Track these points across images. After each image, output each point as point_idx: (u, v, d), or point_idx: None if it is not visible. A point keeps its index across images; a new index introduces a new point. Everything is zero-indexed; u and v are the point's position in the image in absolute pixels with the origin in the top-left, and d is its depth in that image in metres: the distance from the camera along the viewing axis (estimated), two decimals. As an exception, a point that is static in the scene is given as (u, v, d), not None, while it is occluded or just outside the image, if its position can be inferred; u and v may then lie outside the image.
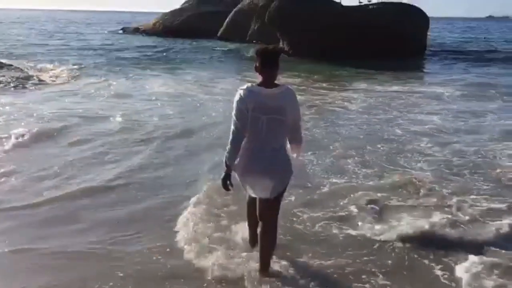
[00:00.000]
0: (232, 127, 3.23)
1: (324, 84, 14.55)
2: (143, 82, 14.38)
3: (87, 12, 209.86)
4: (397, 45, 21.79)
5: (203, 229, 4.39)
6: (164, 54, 24.06)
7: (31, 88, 12.47)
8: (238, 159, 3.29)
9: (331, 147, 7.29)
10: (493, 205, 5.06)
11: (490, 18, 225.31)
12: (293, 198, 5.04)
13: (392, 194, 5.36)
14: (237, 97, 3.22)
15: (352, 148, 7.24)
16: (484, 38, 42.99)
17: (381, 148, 7.33)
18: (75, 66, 17.35)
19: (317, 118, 9.50)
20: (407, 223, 4.56)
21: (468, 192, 5.45)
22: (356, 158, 6.73)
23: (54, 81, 13.89)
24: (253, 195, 3.44)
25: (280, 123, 3.23)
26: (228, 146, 3.25)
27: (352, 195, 5.28)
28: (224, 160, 3.30)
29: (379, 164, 6.50)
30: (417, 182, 5.71)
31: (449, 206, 5.02)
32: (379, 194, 5.33)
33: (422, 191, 5.46)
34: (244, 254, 3.86)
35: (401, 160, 6.69)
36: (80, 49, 25.31)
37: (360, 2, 25.64)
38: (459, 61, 22.64)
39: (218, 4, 39.97)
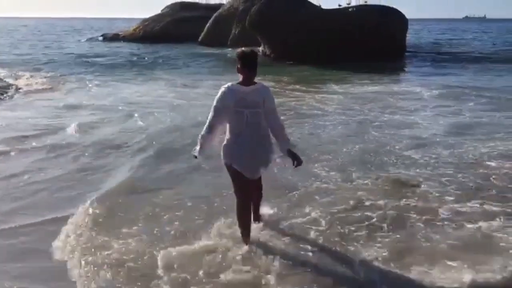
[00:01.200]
0: (210, 118, 3.80)
1: (303, 87, 14.57)
2: (119, 89, 14.18)
3: (66, 19, 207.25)
4: (377, 47, 22.01)
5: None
6: (144, 60, 23.98)
7: (6, 97, 12.27)
8: (228, 147, 3.83)
9: (307, 151, 7.09)
10: (470, 207, 5.03)
11: (466, 19, 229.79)
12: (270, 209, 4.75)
13: (373, 199, 5.27)
14: (218, 95, 3.76)
15: (328, 151, 7.15)
16: (461, 39, 43.88)
17: (358, 150, 7.26)
18: (52, 74, 17.18)
19: (294, 121, 9.41)
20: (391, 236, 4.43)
21: (452, 194, 5.42)
22: (332, 161, 6.64)
23: (30, 89, 13.62)
24: (251, 177, 3.89)
25: (259, 115, 3.78)
26: (202, 133, 3.82)
27: (328, 201, 5.19)
28: (198, 141, 3.84)
29: (355, 167, 6.38)
30: (405, 185, 5.67)
31: (435, 209, 4.99)
32: (357, 196, 5.29)
33: (405, 194, 5.41)
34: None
35: (378, 162, 6.61)
36: (57, 57, 24.97)
37: (339, 5, 25.81)
38: (437, 62, 23.02)
39: (198, 10, 39.99)
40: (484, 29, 72.28)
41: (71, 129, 8.67)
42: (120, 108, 10.99)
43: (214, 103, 3.77)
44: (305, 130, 8.71)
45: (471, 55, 26.53)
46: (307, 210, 4.91)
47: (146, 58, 24.68)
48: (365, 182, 5.79)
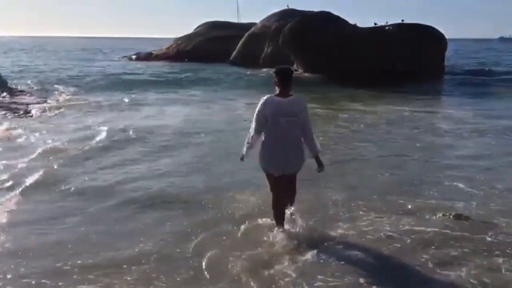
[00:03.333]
0: (253, 126, 4.35)
1: (335, 106, 14.31)
2: (140, 111, 13.41)
3: (100, 38, 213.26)
4: (415, 67, 21.23)
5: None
6: (174, 79, 23.47)
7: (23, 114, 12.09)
8: (264, 151, 4.35)
9: (339, 175, 6.71)
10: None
11: (502, 39, 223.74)
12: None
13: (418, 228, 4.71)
14: (259, 106, 4.30)
15: (363, 175, 6.76)
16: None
17: (398, 175, 6.86)
18: (77, 92, 17.16)
19: (324, 141, 8.85)
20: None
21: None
22: (366, 187, 6.19)
23: (54, 106, 13.48)
24: (277, 174, 4.38)
25: (294, 123, 4.28)
26: (249, 140, 4.38)
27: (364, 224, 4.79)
28: (245, 147, 4.42)
29: (394, 194, 5.88)
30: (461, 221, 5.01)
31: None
32: (398, 223, 4.72)
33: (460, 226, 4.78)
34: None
35: (421, 190, 6.11)
36: (90, 75, 24.75)
37: (375, 24, 25.12)
38: (479, 84, 21.87)
39: (230, 29, 40.02)
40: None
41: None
42: (119, 133, 9.86)
43: (256, 113, 4.31)
44: (337, 152, 8.21)
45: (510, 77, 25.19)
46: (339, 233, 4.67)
47: (178, 77, 24.32)
48: (407, 209, 5.35)
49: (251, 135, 4.36)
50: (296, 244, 4.39)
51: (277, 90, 4.33)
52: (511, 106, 14.65)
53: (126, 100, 15.34)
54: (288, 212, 4.58)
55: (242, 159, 4.51)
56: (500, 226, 4.85)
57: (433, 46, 23.47)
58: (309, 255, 4.21)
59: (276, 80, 4.32)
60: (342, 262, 4.11)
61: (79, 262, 4.17)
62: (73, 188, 6.24)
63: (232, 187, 6.17)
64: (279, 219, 4.60)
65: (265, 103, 4.26)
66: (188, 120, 11.68)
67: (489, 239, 4.56)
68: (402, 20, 24.75)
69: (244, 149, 4.44)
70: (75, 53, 54.41)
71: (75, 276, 3.95)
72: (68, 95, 16.50)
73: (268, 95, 4.31)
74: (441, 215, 5.14)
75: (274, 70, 4.39)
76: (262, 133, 4.34)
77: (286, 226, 4.59)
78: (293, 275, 3.92)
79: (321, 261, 4.14)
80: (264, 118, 4.25)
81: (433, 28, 24.65)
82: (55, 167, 7.23)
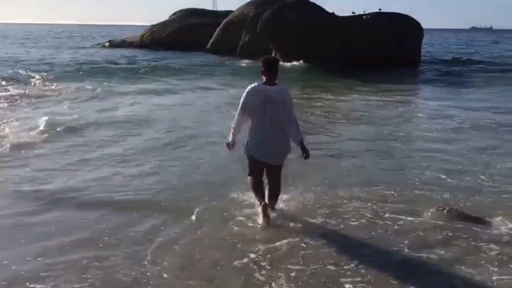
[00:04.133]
0: (238, 113, 4.43)
1: (312, 94, 14.12)
2: (109, 100, 12.62)
3: (71, 25, 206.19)
4: (391, 56, 21.21)
5: None
6: (148, 67, 22.46)
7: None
8: (252, 138, 4.40)
9: (323, 167, 6.52)
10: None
11: (473, 29, 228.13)
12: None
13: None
14: (245, 93, 4.38)
15: (343, 166, 6.62)
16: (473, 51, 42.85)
17: (380, 165, 6.73)
18: (44, 83, 16.07)
19: (304, 131, 8.71)
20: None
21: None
22: (345, 179, 6.02)
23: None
24: (263, 160, 4.45)
25: (281, 111, 4.36)
26: (234, 126, 4.47)
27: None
28: (230, 132, 4.48)
29: (377, 185, 5.73)
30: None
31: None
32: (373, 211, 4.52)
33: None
34: None
35: (401, 180, 5.97)
36: (58, 63, 23.41)
37: (353, 13, 24.99)
38: (454, 72, 22.11)
39: (207, 16, 39.28)
40: (496, 39, 71.51)
41: None
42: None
43: (242, 100, 4.37)
44: (315, 141, 7.80)
45: (485, 65, 25.52)
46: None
47: (152, 66, 23.40)
48: (390, 198, 5.23)
49: (236, 121, 4.43)
50: (274, 233, 4.33)
51: (264, 79, 4.41)
52: (487, 95, 14.73)
53: (94, 89, 14.53)
54: (271, 215, 4.54)
55: (228, 144, 4.50)
56: (483, 214, 4.81)
57: (410, 35, 23.51)
58: (287, 244, 4.12)
59: (263, 69, 4.40)
60: (318, 250, 4.02)
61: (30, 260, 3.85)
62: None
63: (207, 180, 5.92)
64: (260, 196, 4.53)
65: (252, 91, 4.34)
66: (160, 110, 11.22)
67: (464, 226, 4.54)
68: (380, 9, 24.70)
69: (230, 137, 4.48)
70: (45, 40, 52.52)
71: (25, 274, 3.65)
72: (35, 83, 15.76)
73: (255, 83, 4.40)
74: (424, 204, 5.06)
75: (261, 59, 4.49)
76: (250, 120, 4.39)
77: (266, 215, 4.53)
78: (268, 266, 3.77)
79: (298, 249, 4.04)
80: (250, 105, 4.32)
81: (410, 17, 24.70)
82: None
